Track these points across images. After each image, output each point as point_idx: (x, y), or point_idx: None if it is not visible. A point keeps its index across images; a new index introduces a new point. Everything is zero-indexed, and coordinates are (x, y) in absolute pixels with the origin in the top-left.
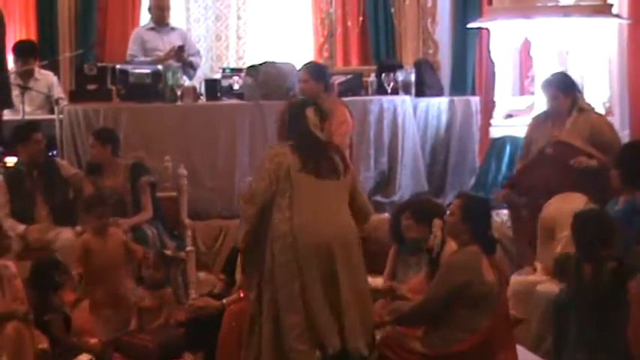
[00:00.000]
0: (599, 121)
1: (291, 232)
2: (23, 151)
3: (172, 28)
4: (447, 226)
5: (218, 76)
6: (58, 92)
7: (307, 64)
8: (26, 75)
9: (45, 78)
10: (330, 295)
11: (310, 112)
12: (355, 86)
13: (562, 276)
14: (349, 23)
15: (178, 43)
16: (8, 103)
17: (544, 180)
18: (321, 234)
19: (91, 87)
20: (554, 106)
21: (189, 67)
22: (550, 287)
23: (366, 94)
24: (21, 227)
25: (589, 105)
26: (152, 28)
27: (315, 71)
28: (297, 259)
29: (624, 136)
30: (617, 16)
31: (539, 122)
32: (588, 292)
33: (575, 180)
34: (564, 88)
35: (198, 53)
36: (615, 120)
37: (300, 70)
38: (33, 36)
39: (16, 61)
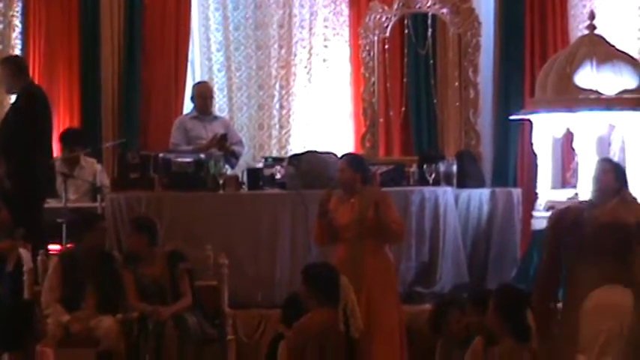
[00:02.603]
0: None
1: None
2: (88, 239)
3: (215, 117)
4: (487, 317)
5: (260, 165)
6: (103, 180)
7: (345, 154)
8: (72, 163)
9: (90, 166)
10: None
11: None
12: (397, 177)
13: None
14: (391, 113)
15: (221, 131)
16: (52, 192)
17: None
18: None
19: (134, 175)
20: (600, 179)
21: (232, 156)
22: None
23: (408, 184)
24: (65, 317)
25: (634, 198)
26: (195, 117)
27: (353, 161)
28: None
29: None
30: None
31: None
32: None
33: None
34: (617, 170)
35: (240, 142)
36: None
37: (339, 159)
38: (77, 123)
39: (62, 149)
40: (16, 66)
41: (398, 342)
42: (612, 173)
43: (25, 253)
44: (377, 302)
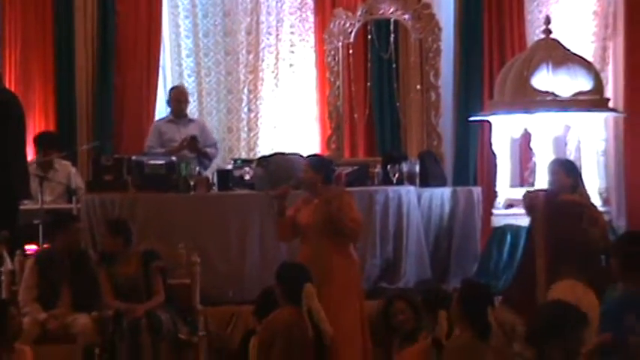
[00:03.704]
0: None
1: None
2: (61, 238)
3: (190, 120)
4: (450, 310)
5: (230, 166)
6: (77, 182)
7: (309, 155)
8: (46, 165)
9: (64, 168)
10: None
11: None
12: (362, 177)
13: None
14: (356, 116)
15: (196, 133)
16: (27, 194)
17: None
18: None
19: (108, 177)
20: (552, 180)
21: (205, 158)
22: None
23: (372, 184)
24: (42, 315)
25: (589, 196)
26: (170, 120)
27: (315, 162)
28: None
29: (620, 226)
30: (614, 110)
31: None
32: None
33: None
34: (566, 167)
35: (214, 145)
36: (612, 210)
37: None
38: (52, 128)
39: (37, 152)
40: None
41: (360, 338)
42: (562, 172)
43: (5, 255)
44: (338, 299)
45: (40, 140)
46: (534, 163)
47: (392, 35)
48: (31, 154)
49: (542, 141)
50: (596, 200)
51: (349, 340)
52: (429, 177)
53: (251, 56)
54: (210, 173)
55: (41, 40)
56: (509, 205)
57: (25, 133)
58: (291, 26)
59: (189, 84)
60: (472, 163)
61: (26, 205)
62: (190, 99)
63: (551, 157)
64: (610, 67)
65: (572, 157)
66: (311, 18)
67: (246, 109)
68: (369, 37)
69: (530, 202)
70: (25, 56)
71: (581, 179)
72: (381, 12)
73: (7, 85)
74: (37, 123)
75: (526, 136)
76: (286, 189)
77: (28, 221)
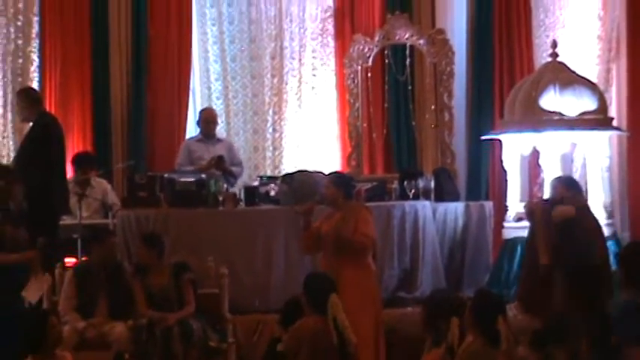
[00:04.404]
0: None
1: None
2: (98, 252)
3: (219, 139)
4: (463, 318)
5: (256, 183)
6: (112, 198)
7: (331, 173)
8: (84, 183)
9: (99, 185)
10: None
11: None
12: (380, 192)
13: None
14: (374, 135)
15: (223, 153)
16: (67, 210)
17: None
18: None
19: (142, 194)
20: (553, 194)
21: (230, 176)
22: None
23: (390, 199)
24: (81, 324)
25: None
26: (200, 140)
27: (336, 179)
28: None
29: (624, 237)
30: (617, 128)
31: None
32: None
33: None
34: (565, 182)
35: (240, 164)
36: (616, 223)
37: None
38: (89, 148)
39: (75, 171)
40: (30, 97)
41: (374, 346)
42: (561, 187)
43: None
44: (351, 307)
45: (78, 160)
46: (543, 179)
47: (408, 59)
48: (69, 173)
49: (550, 158)
50: (601, 214)
51: (363, 346)
52: (443, 192)
53: (275, 80)
54: (237, 189)
55: (79, 66)
56: (520, 218)
57: (64, 153)
58: (313, 51)
59: (217, 106)
60: (484, 179)
61: (65, 220)
62: (219, 120)
63: (559, 173)
64: (613, 88)
65: (578, 174)
66: (332, 43)
67: (271, 130)
68: (387, 61)
69: (530, 209)
70: (65, 80)
71: (580, 190)
72: (397, 37)
73: (47, 107)
74: (75, 143)
75: (535, 154)
76: (312, 205)
77: (67, 235)
